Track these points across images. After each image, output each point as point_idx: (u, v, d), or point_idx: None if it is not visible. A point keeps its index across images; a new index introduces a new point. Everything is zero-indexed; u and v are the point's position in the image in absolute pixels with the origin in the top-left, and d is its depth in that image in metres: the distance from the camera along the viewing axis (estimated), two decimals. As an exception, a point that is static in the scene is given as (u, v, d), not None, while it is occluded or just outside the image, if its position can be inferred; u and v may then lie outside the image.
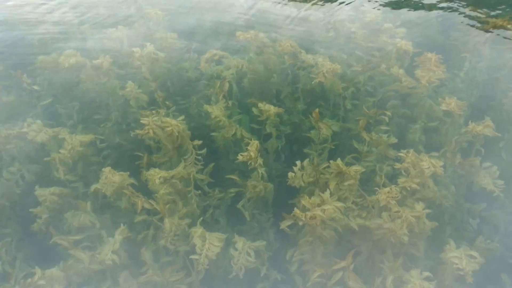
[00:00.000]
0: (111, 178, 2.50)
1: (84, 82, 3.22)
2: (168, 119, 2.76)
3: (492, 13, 3.99)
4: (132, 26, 3.81)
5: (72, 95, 3.27)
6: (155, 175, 2.50)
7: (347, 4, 4.24)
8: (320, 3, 4.28)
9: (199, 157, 2.73)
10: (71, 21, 3.94)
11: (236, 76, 3.26)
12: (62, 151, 2.66)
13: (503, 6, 4.15)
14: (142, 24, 3.81)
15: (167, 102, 3.09)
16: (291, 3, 4.34)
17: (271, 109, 2.88)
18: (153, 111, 2.88)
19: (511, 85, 3.12)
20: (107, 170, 2.53)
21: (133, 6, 4.23)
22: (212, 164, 2.76)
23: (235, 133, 2.86)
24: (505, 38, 3.60)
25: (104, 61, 3.20)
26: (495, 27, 3.68)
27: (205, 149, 2.75)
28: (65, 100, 3.25)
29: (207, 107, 2.95)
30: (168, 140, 2.73)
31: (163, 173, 2.53)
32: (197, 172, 2.70)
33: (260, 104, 2.93)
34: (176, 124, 2.71)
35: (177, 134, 2.69)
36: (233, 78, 3.23)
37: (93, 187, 2.55)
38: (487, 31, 3.68)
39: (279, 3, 4.35)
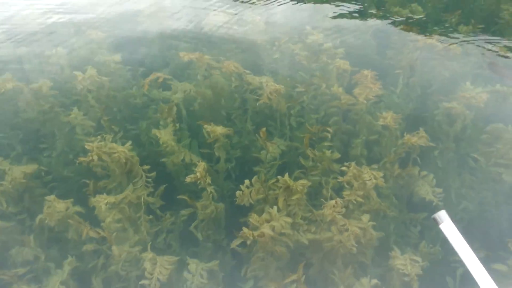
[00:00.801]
0: (56, 206, 2.45)
1: (25, 110, 3.15)
2: (115, 145, 2.75)
3: (422, 31, 4.26)
4: (72, 48, 3.78)
5: (13, 123, 3.19)
6: (101, 201, 2.48)
7: (290, 27, 4.41)
8: (265, 25, 4.42)
9: (149, 180, 2.74)
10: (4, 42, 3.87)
11: (184, 100, 3.31)
12: (3, 183, 2.59)
13: (431, 24, 4.46)
14: (82, 46, 3.79)
15: (113, 127, 3.08)
16: (236, 24, 4.46)
17: (218, 130, 2.93)
18: (99, 137, 2.86)
19: (441, 98, 3.33)
20: (51, 198, 2.49)
21: (73, 28, 4.20)
22: (163, 186, 2.78)
23: (184, 158, 2.89)
24: (434, 54, 3.85)
25: (43, 85, 3.14)
26: (425, 44, 3.93)
27: (155, 172, 2.76)
28: (5, 129, 3.16)
29: (155, 132, 2.96)
30: (116, 165, 2.72)
31: (110, 198, 2.51)
32: (147, 195, 2.70)
33: (207, 126, 2.97)
34: (123, 150, 2.70)
35: (124, 160, 2.68)
36: (181, 102, 3.27)
37: (38, 218, 2.49)
38: (418, 48, 3.93)
39: (224, 25, 4.46)
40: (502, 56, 3.85)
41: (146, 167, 2.77)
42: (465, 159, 3.03)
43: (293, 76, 3.62)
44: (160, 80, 3.37)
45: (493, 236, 2.71)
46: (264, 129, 2.95)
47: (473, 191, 2.88)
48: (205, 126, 2.97)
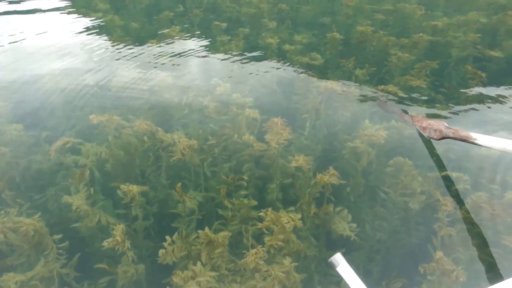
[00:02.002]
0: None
1: None
2: (21, 218, 2.57)
3: (323, 77, 4.55)
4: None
5: None
6: (9, 280, 2.27)
7: (198, 80, 4.51)
8: (172, 80, 4.47)
9: (61, 251, 2.57)
10: None
11: (96, 162, 3.21)
12: None
13: (330, 70, 4.78)
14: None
15: (18, 200, 2.89)
16: (144, 82, 4.46)
17: (134, 188, 2.87)
18: (2, 212, 2.66)
19: (346, 137, 3.54)
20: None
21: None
22: (77, 255, 2.62)
23: (99, 220, 2.76)
24: (335, 97, 4.12)
25: None
26: (327, 88, 4.19)
27: (67, 241, 2.60)
28: None
29: (67, 198, 2.82)
30: (24, 240, 2.53)
31: (20, 277, 2.31)
32: (61, 267, 2.52)
33: (122, 186, 2.90)
34: (31, 222, 2.53)
35: (33, 233, 2.51)
36: (93, 165, 3.17)
37: None
38: (320, 93, 4.18)
39: (133, 83, 4.44)
40: (392, 94, 4.20)
41: (57, 236, 2.61)
42: (375, 192, 3.20)
43: (204, 129, 3.66)
44: (68, 145, 3.25)
45: (408, 263, 2.85)
46: (179, 184, 2.93)
47: (385, 222, 3.03)
48: (122, 186, 2.90)
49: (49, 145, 3.37)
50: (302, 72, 4.73)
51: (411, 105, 4.02)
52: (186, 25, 6.18)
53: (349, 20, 6.37)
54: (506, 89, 4.42)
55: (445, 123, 3.29)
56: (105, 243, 2.52)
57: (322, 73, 4.70)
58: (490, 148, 2.89)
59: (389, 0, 7.31)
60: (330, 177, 3.00)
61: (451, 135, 3.15)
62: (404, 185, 3.11)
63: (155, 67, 4.81)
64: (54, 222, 2.88)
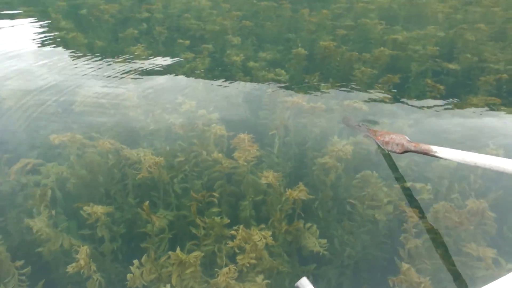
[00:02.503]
0: None
1: None
2: (-21, 245, 2.45)
3: (289, 93, 4.60)
4: None
5: None
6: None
7: (163, 98, 4.47)
8: (137, 98, 4.42)
9: (24, 278, 2.46)
10: None
11: (58, 183, 3.12)
12: None
13: (296, 86, 4.83)
14: None
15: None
16: (109, 99, 4.39)
17: (98, 209, 2.79)
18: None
19: (316, 153, 3.58)
20: None
21: None
22: (42, 282, 2.52)
23: (62, 244, 2.67)
24: (303, 113, 4.16)
25: None
26: (293, 104, 4.24)
27: (30, 267, 2.50)
28: None
29: (28, 221, 2.72)
30: (-17, 268, 2.42)
31: (-21, 308, 2.20)
32: (23, 296, 2.42)
33: (86, 207, 2.82)
34: (-10, 248, 2.42)
35: (-7, 259, 2.40)
36: (55, 186, 3.08)
37: None
38: (288, 108, 4.22)
39: (96, 101, 4.36)
40: (357, 108, 4.28)
41: (19, 263, 2.50)
42: (343, 206, 3.23)
43: (172, 146, 3.62)
44: (29, 166, 3.15)
45: (377, 276, 2.89)
46: (147, 202, 2.87)
47: (353, 236, 3.06)
48: (85, 208, 2.82)
49: (9, 168, 3.25)
50: (268, 88, 4.76)
51: (376, 119, 4.10)
52: (150, 43, 6.14)
53: (313, 36, 6.49)
54: (462, 100, 4.58)
55: (407, 137, 3.37)
56: (69, 269, 2.43)
57: (288, 88, 4.75)
58: (450, 160, 2.97)
59: (350, 16, 7.50)
60: (300, 192, 3.02)
61: (412, 148, 3.24)
62: (370, 197, 3.16)
63: (120, 84, 4.75)
64: (16, 247, 2.77)
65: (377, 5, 8.31)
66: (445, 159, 3.00)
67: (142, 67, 5.25)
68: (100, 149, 3.38)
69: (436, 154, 2.99)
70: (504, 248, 2.80)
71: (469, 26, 6.92)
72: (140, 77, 4.95)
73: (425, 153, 3.11)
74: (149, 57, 5.56)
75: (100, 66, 5.25)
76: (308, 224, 2.95)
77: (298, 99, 4.36)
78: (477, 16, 7.64)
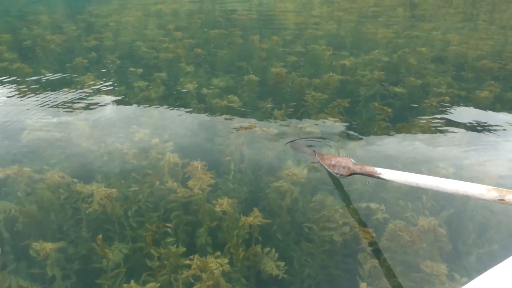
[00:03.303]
0: None
1: None
2: None
3: (243, 119, 4.64)
4: None
5: None
6: None
7: (116, 127, 4.40)
8: (89, 128, 4.33)
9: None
10: None
11: (5, 221, 2.98)
12: None
13: (250, 112, 4.89)
14: None
15: None
16: (59, 131, 4.27)
17: (48, 246, 2.68)
18: None
19: (271, 178, 3.61)
20: None
21: None
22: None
23: (10, 286, 2.53)
24: (257, 138, 4.21)
25: None
26: (247, 129, 4.28)
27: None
28: None
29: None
30: None
31: None
32: None
33: (35, 244, 2.70)
34: None
35: None
36: (2, 225, 2.94)
37: None
38: (242, 134, 4.25)
39: (46, 133, 4.23)
40: (310, 133, 4.38)
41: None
42: (301, 229, 3.25)
43: (125, 177, 3.56)
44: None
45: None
46: (100, 236, 2.79)
47: (312, 257, 3.08)
48: (34, 244, 2.70)
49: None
50: (222, 115, 4.79)
51: (328, 143, 4.20)
52: (101, 72, 6.06)
53: (264, 63, 6.62)
54: (409, 122, 4.78)
55: (352, 160, 3.47)
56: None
57: (242, 115, 4.80)
58: (393, 181, 3.07)
59: (300, 42, 7.72)
60: (255, 218, 3.03)
61: (358, 170, 3.34)
62: (327, 218, 3.20)
63: (70, 115, 4.65)
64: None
65: (325, 31, 8.61)
66: (389, 181, 3.10)
67: (93, 97, 5.17)
68: (50, 183, 3.27)
69: (380, 176, 3.10)
70: (459, 263, 2.91)
71: (411, 50, 7.28)
72: (92, 106, 4.87)
73: (370, 175, 3.21)
74: (100, 86, 5.48)
75: (48, 96, 5.13)
76: (266, 249, 2.95)
77: (252, 125, 4.41)
78: (418, 40, 8.05)
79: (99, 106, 4.91)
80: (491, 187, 2.37)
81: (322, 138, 4.29)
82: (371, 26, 9.16)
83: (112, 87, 5.49)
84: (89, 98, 5.13)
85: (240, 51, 7.23)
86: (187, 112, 4.87)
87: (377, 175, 3.13)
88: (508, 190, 2.30)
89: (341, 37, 8.41)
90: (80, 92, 5.28)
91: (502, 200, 2.28)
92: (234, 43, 7.65)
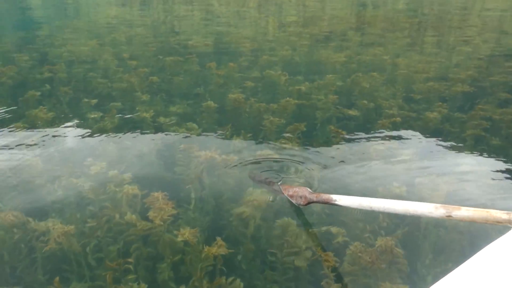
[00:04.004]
0: None
1: None
2: None
3: (202, 146, 4.63)
4: None
5: None
6: None
7: (71, 161, 4.29)
8: (43, 164, 4.21)
9: None
10: None
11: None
12: None
13: (209, 139, 4.89)
14: None
15: None
16: (10, 168, 4.12)
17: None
18: None
19: (232, 205, 3.61)
20: None
21: None
22: None
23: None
24: (216, 166, 4.20)
25: None
26: (207, 157, 4.27)
27: None
28: None
29: None
30: None
31: None
32: None
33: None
34: None
35: None
36: None
37: None
38: (202, 162, 4.23)
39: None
40: (269, 158, 4.42)
41: None
42: (265, 256, 3.25)
43: (82, 212, 3.46)
44: None
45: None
46: (57, 278, 2.68)
47: (277, 284, 3.08)
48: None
49: None
50: (181, 143, 4.76)
51: (286, 168, 4.25)
52: (54, 105, 5.91)
53: (222, 89, 6.66)
54: (364, 144, 4.92)
55: (308, 189, 3.53)
56: None
57: (201, 142, 4.79)
58: (349, 207, 3.14)
59: (256, 68, 7.83)
60: (219, 248, 3.00)
61: (314, 199, 3.39)
62: (290, 244, 3.22)
63: (22, 150, 4.49)
64: None
65: (280, 57, 8.78)
66: (345, 207, 3.16)
67: (46, 130, 5.02)
68: (3, 223, 3.13)
69: (336, 202, 3.16)
70: (416, 281, 2.98)
71: (363, 74, 7.53)
72: (44, 141, 4.73)
73: (327, 203, 3.27)
74: (53, 119, 5.34)
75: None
76: (230, 279, 2.92)
77: (211, 152, 4.40)
78: (369, 65, 8.35)
79: (53, 140, 4.77)
80: (439, 205, 2.47)
81: (281, 163, 4.33)
82: (324, 51, 9.43)
83: (65, 120, 5.36)
84: (42, 132, 4.98)
85: (197, 78, 7.25)
86: (145, 141, 4.81)
87: (332, 202, 3.19)
88: (454, 206, 2.41)
89: (296, 62, 8.59)
90: (32, 126, 5.12)
91: (450, 216, 2.38)
92: (191, 70, 7.67)
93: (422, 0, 22.46)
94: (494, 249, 1.87)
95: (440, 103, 6.18)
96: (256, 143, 4.82)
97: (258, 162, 4.34)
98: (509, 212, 2.11)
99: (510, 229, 2.10)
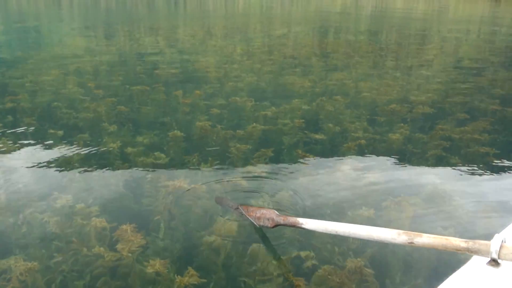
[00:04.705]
0: None
1: None
2: None
3: (171, 176, 4.62)
4: None
5: None
6: None
7: (35, 195, 4.19)
8: (5, 199, 4.10)
9: None
10: None
11: None
12: None
13: (177, 168, 4.88)
14: None
15: None
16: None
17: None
18: None
19: (202, 233, 3.60)
20: None
21: None
22: None
23: None
24: (185, 195, 4.20)
25: None
26: (175, 187, 4.26)
27: None
28: None
29: None
30: None
31: None
32: None
33: None
34: None
35: None
36: None
37: None
38: (170, 192, 4.22)
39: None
40: (237, 185, 4.45)
41: None
42: (237, 283, 3.24)
43: (47, 247, 3.37)
44: None
45: None
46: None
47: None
48: None
49: None
50: (148, 173, 4.74)
51: (255, 194, 4.28)
52: (18, 136, 5.77)
53: (188, 117, 6.68)
54: (332, 167, 5.02)
55: (276, 211, 3.56)
56: None
57: (168, 172, 4.78)
58: (315, 230, 3.18)
59: (221, 95, 7.90)
60: (190, 277, 2.98)
61: (282, 222, 3.42)
62: (261, 271, 3.23)
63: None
64: None
65: (245, 83, 8.91)
66: (311, 230, 3.21)
67: (9, 163, 4.90)
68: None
69: (302, 226, 3.20)
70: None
71: (327, 98, 7.72)
72: (7, 175, 4.60)
73: (293, 226, 3.31)
74: (17, 152, 5.22)
75: (-42, 167, 4.79)
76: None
77: (180, 181, 4.40)
78: (333, 89, 8.57)
79: (16, 173, 4.65)
80: (401, 231, 2.53)
81: (249, 189, 4.37)
82: (289, 76, 9.62)
83: (30, 152, 5.24)
84: (5, 165, 4.86)
85: (163, 107, 7.26)
86: (112, 173, 4.76)
87: (299, 225, 3.23)
88: (416, 233, 2.46)
89: (261, 88, 8.73)
90: (-6, 159, 5.00)
91: (412, 243, 2.43)
92: (157, 99, 7.67)
93: (382, 25, 23.33)
94: (459, 280, 1.94)
95: (402, 124, 6.40)
96: (224, 170, 4.84)
97: (226, 188, 4.36)
98: (468, 240, 2.18)
99: (471, 258, 2.17)
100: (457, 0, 45.91)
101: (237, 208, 3.84)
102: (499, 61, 12.64)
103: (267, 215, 3.57)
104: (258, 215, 3.64)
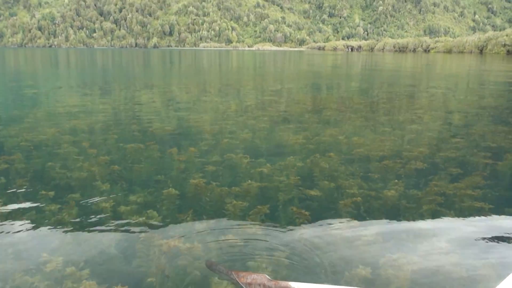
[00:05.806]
0: None
1: None
2: None
3: (165, 235, 4.54)
4: None
5: None
6: None
7: (24, 258, 4.09)
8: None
9: None
10: None
11: None
12: None
13: (171, 226, 4.81)
14: None
15: None
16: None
17: None
18: None
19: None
20: None
21: None
22: None
23: None
24: (180, 255, 4.11)
25: None
26: (169, 247, 4.18)
27: None
28: None
29: None
30: None
31: None
32: None
33: None
34: None
35: None
36: None
37: None
38: (164, 252, 4.13)
39: None
40: (233, 244, 4.37)
41: None
42: None
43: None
44: None
45: None
46: None
47: None
48: None
49: None
50: (141, 232, 4.66)
51: (250, 255, 4.19)
52: (9, 198, 5.70)
53: (183, 175, 6.67)
54: (327, 225, 4.96)
55: (267, 276, 3.49)
56: None
57: (162, 231, 4.70)
58: None
59: (216, 152, 7.94)
60: None
61: (273, 287, 3.35)
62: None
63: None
64: None
65: (240, 140, 8.98)
66: None
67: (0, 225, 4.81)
68: None
69: None
70: None
71: (321, 155, 7.77)
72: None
73: None
74: (8, 214, 5.14)
75: None
76: None
77: (174, 241, 4.32)
78: (327, 145, 8.65)
79: (6, 235, 4.56)
80: None
81: (244, 250, 4.28)
82: (283, 133, 9.73)
83: (20, 214, 5.16)
84: (-5, 227, 4.78)
85: (157, 165, 7.25)
86: (104, 233, 4.67)
87: None
88: None
89: (256, 144, 8.79)
90: (-16, 222, 4.91)
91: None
92: (151, 157, 7.69)
93: (373, 81, 23.92)
94: None
95: (396, 180, 6.41)
96: (220, 229, 4.77)
97: (221, 247, 4.28)
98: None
99: None
100: (443, 55, 47.48)
101: (229, 273, 3.76)
102: (488, 114, 12.90)
103: (258, 280, 3.50)
104: (249, 280, 3.56)
